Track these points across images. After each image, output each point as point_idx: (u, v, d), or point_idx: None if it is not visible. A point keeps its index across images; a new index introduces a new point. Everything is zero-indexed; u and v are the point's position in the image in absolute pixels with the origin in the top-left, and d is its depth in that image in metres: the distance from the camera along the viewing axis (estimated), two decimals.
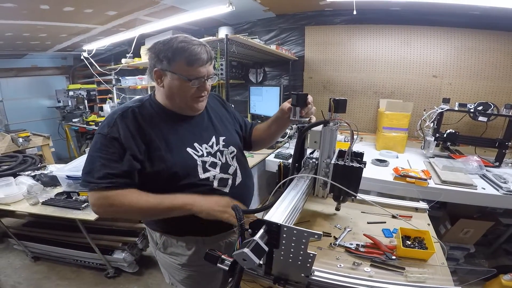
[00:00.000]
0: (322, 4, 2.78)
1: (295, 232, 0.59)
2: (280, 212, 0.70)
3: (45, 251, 2.41)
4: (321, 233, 0.57)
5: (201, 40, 0.98)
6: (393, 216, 1.05)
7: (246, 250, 0.53)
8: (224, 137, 1.09)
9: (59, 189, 2.08)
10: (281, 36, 3.32)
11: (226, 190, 1.03)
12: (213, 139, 1.07)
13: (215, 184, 1.01)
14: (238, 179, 1.08)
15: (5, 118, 4.79)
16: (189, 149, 0.99)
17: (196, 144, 1.01)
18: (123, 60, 3.67)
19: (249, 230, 0.62)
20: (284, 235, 0.61)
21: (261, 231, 0.60)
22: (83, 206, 1.81)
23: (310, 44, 3.18)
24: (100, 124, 0.93)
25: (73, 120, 4.68)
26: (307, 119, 0.99)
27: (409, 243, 0.91)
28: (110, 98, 4.92)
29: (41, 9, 2.50)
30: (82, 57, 3.83)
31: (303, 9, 3.07)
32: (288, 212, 0.70)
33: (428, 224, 1.05)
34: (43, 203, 1.89)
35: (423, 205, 1.14)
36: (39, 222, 2.51)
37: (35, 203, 1.89)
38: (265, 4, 2.89)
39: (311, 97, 0.97)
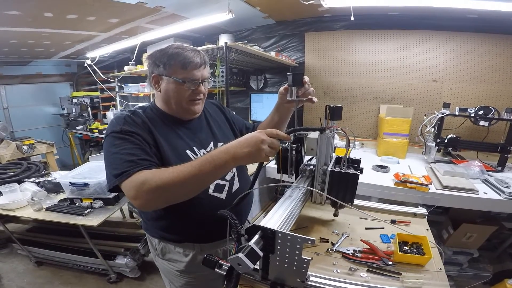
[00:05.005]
0: (321, 10, 2.79)
1: (289, 237, 0.60)
2: (276, 218, 0.71)
3: (48, 256, 2.44)
4: (314, 239, 0.58)
5: (199, 48, 1.02)
6: (392, 222, 1.06)
7: (240, 255, 0.54)
8: (222, 143, 1.10)
9: (62, 196, 2.11)
10: (281, 43, 3.34)
11: (223, 196, 1.04)
12: (211, 145, 1.09)
13: (211, 190, 1.02)
14: (235, 186, 1.09)
15: (10, 125, 4.85)
16: (188, 152, 1.01)
17: (195, 148, 1.03)
18: (125, 68, 3.72)
19: (245, 235, 0.63)
20: (279, 241, 0.62)
21: (256, 236, 0.61)
22: (85, 212, 1.84)
23: (310, 50, 3.20)
24: (106, 129, 0.93)
25: (77, 127, 4.74)
26: (305, 99, 0.99)
27: (407, 248, 0.91)
28: (113, 106, 4.98)
29: (45, 16, 2.57)
30: (85, 65, 3.89)
31: (302, 15, 3.09)
32: (284, 218, 0.71)
33: (427, 230, 1.05)
34: (47, 209, 1.92)
35: (422, 210, 1.15)
36: (43, 227, 2.54)
37: (39, 209, 1.91)
38: (265, 11, 2.92)
39: (308, 77, 0.98)
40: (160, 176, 0.77)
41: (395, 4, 2.26)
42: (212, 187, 1.02)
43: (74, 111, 4.92)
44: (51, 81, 5.46)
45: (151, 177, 0.77)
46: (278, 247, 0.62)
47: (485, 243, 2.13)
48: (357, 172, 0.84)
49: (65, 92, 5.48)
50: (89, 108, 5.00)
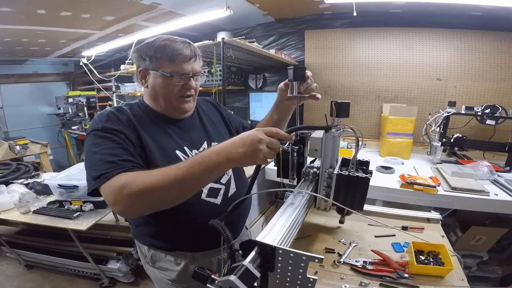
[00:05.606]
0: (322, 7, 2.74)
1: (291, 255, 0.51)
2: (276, 230, 0.62)
3: (38, 260, 2.38)
4: (323, 257, 0.49)
5: (195, 44, 0.94)
6: (403, 228, 0.97)
7: (232, 278, 0.45)
8: (217, 143, 1.02)
9: (52, 198, 2.04)
10: (281, 41, 3.27)
11: (217, 201, 0.95)
12: (205, 145, 1.00)
13: (204, 194, 0.93)
14: (232, 190, 1.00)
15: (5, 125, 4.77)
16: (178, 152, 0.92)
17: (186, 149, 0.95)
18: (122, 66, 3.63)
19: (240, 251, 0.54)
20: (280, 258, 0.53)
21: (253, 253, 0.51)
22: (74, 215, 1.77)
23: (310, 48, 3.13)
24: (89, 126, 0.86)
25: (73, 127, 4.65)
26: (307, 96, 0.91)
27: (423, 258, 0.82)
28: (110, 105, 4.88)
29: (38, 13, 2.50)
30: (81, 63, 3.80)
31: (302, 13, 3.03)
32: (285, 231, 0.62)
33: (442, 236, 0.96)
34: (34, 212, 1.85)
35: (435, 215, 1.06)
36: (33, 230, 2.46)
37: (26, 212, 1.85)
38: (264, 8, 2.86)
39: (310, 72, 0.90)
40: (143, 180, 0.68)
41: (397, 1, 2.20)
42: (205, 191, 0.93)
43: (70, 111, 4.83)
44: (47, 81, 5.38)
45: (132, 181, 0.68)
46: (279, 264, 0.53)
47: (494, 245, 2.06)
48: (367, 175, 0.75)
49: (61, 92, 5.39)
50: (85, 108, 4.90)
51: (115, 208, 0.71)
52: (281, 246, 0.52)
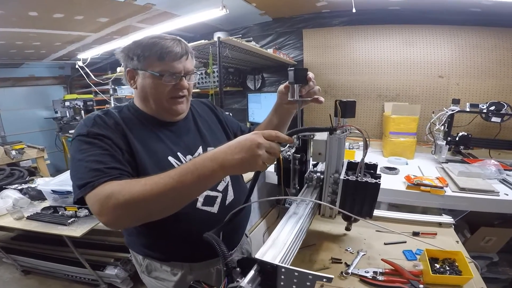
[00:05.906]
0: (319, 5, 2.70)
1: (296, 274, 0.45)
2: (278, 245, 0.56)
3: (35, 265, 2.34)
4: (332, 276, 0.43)
5: (190, 44, 0.88)
6: (414, 234, 0.90)
7: None
8: (213, 147, 0.96)
9: (46, 203, 1.99)
10: (279, 40, 3.22)
11: (214, 210, 0.89)
12: (200, 150, 0.94)
13: (199, 203, 0.87)
14: (230, 197, 0.94)
15: (1, 129, 4.72)
16: (171, 158, 0.86)
17: (179, 154, 0.89)
18: (118, 69, 3.58)
19: (238, 269, 0.48)
20: (282, 277, 0.47)
21: (252, 272, 0.45)
22: (69, 221, 1.73)
23: (308, 47, 3.08)
24: (74, 131, 0.81)
25: (70, 131, 4.58)
26: (310, 99, 0.85)
27: (438, 266, 0.76)
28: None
29: (30, 16, 2.45)
30: (77, 66, 3.75)
31: (299, 11, 2.98)
32: (289, 245, 0.56)
33: (457, 242, 0.89)
34: (28, 218, 1.82)
35: (447, 219, 0.99)
36: (29, 235, 2.42)
37: (19, 218, 1.82)
38: (261, 7, 2.81)
39: (313, 73, 0.84)
40: (130, 190, 0.62)
41: None
42: (201, 199, 0.87)
43: (67, 114, 4.79)
44: (44, 84, 5.33)
45: (119, 190, 0.63)
46: (282, 283, 0.47)
47: (504, 246, 1.99)
48: (377, 180, 0.69)
49: (58, 95, 5.34)
50: (83, 111, 4.85)
51: (101, 219, 0.65)
52: (284, 265, 0.46)
